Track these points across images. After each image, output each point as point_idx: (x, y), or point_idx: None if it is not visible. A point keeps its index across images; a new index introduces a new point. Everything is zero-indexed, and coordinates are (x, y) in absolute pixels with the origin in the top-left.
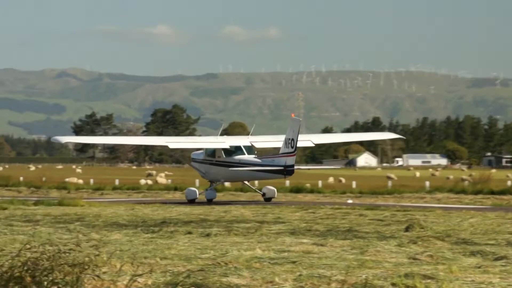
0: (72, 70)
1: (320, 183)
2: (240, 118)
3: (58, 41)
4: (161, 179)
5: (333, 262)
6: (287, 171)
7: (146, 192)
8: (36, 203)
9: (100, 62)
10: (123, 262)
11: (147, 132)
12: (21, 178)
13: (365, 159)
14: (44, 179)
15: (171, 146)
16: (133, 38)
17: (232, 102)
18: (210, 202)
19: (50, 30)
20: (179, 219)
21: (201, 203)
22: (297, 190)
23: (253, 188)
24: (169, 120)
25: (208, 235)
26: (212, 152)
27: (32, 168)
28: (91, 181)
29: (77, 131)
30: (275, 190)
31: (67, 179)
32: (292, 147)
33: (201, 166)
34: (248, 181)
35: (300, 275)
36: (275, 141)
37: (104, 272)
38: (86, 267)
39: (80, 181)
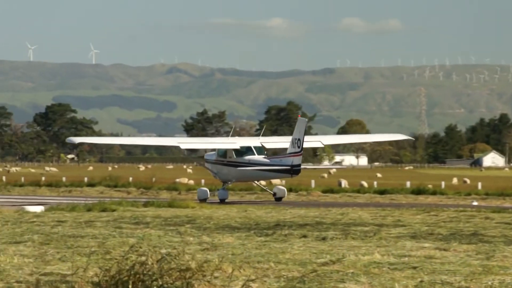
0: (183, 65)
1: (443, 184)
2: (358, 116)
3: (169, 35)
4: (274, 180)
5: (457, 268)
6: (294, 170)
7: (259, 194)
8: (145, 205)
9: (211, 57)
10: (235, 266)
11: (261, 130)
12: (131, 179)
13: (492, 159)
14: (154, 179)
15: (183, 146)
16: (246, 31)
17: (350, 98)
18: (222, 202)
19: (160, 24)
20: (294, 222)
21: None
22: (418, 191)
23: (265, 187)
24: (283, 117)
25: (324, 238)
26: (223, 153)
27: (142, 168)
28: (202, 181)
29: (188, 129)
30: (285, 190)
31: (177, 180)
32: (298, 147)
33: (213, 166)
34: (258, 181)
35: (421, 281)
36: (286, 142)
37: (216, 277)
38: (197, 271)
39: (191, 182)
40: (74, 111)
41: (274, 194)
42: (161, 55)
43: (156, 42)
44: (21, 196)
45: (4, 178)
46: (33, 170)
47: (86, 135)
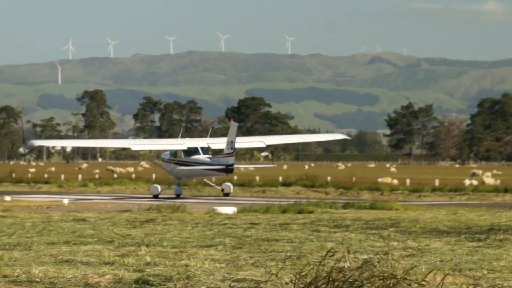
0: (387, 55)
1: None
2: None
3: (371, 22)
4: (488, 179)
5: None
6: (228, 169)
7: (470, 195)
8: (345, 206)
9: (417, 46)
10: (445, 274)
11: (473, 125)
12: (329, 178)
13: None
14: (354, 179)
15: (134, 148)
16: (456, 17)
17: None
18: (178, 197)
19: (360, 9)
20: (510, 226)
21: None
22: None
23: (213, 184)
24: (498, 111)
25: None
26: (175, 153)
27: (341, 166)
28: (407, 181)
29: (392, 124)
30: (231, 185)
31: (380, 179)
32: (231, 148)
33: (167, 165)
34: (204, 179)
35: None
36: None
37: (422, 286)
38: (402, 279)
39: (395, 181)
40: (268, 105)
41: (222, 190)
42: (362, 44)
43: (357, 30)
44: (212, 197)
45: None
46: None
47: (281, 130)
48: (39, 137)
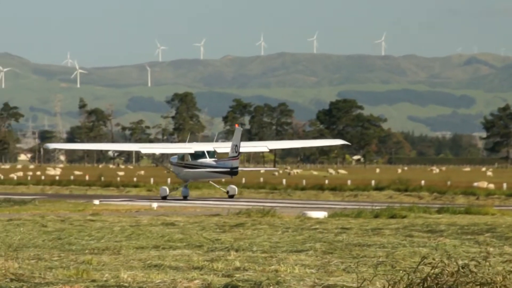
0: (483, 56)
1: None
2: None
3: (467, 22)
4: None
5: None
6: (233, 172)
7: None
8: (439, 211)
9: None
10: None
11: None
12: (423, 182)
13: None
14: (449, 183)
15: (143, 151)
16: None
17: None
18: (185, 198)
19: (456, 9)
20: None
21: None
22: None
23: (218, 186)
24: None
25: None
26: (182, 157)
27: (436, 170)
28: (504, 185)
29: (488, 126)
30: (236, 188)
31: (475, 184)
32: (236, 152)
33: (175, 168)
34: (209, 181)
35: None
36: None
37: None
38: (499, 286)
39: (491, 186)
40: (360, 108)
41: (227, 192)
42: (458, 45)
43: (453, 30)
44: (302, 201)
45: (284, 181)
46: (315, 173)
47: (374, 133)
48: (128, 140)
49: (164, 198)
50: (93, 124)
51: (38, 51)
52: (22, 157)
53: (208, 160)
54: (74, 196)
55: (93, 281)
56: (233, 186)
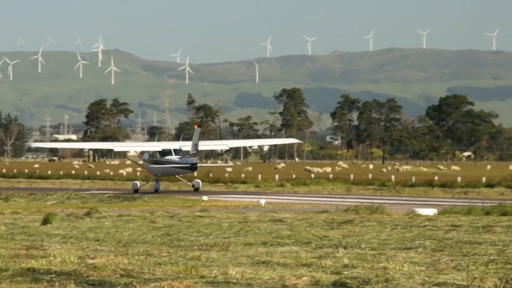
0: None
1: None
2: None
3: None
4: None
5: None
6: (193, 168)
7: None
8: None
9: None
10: None
11: None
12: None
13: None
14: None
15: (116, 149)
16: None
17: None
18: (156, 192)
19: None
20: None
21: None
22: None
23: (184, 181)
24: None
25: None
26: (152, 154)
27: None
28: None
29: None
30: (200, 182)
31: None
32: (195, 150)
33: (147, 164)
34: (176, 176)
35: None
36: (200, 145)
37: None
38: None
39: None
40: (471, 103)
41: (193, 186)
42: None
43: None
44: (411, 198)
45: (393, 177)
46: (425, 169)
47: (485, 129)
48: (236, 136)
49: (136, 191)
50: (201, 120)
51: (148, 48)
52: (131, 153)
53: (173, 157)
54: (183, 192)
55: (202, 277)
56: (198, 180)
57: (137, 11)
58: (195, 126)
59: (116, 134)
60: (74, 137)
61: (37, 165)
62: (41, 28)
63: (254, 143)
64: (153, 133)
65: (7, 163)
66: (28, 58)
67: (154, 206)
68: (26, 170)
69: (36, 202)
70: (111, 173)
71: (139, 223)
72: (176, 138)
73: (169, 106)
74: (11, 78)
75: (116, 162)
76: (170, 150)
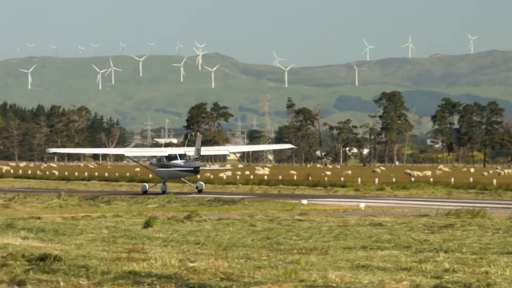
0: None
1: None
2: None
3: None
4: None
5: None
6: (195, 171)
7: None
8: None
9: None
10: None
11: None
12: None
13: None
14: None
15: (127, 154)
16: None
17: None
18: (163, 193)
19: None
20: None
21: None
22: None
23: (189, 183)
24: None
25: None
26: (159, 159)
27: None
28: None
29: None
30: (203, 184)
31: None
32: (198, 155)
33: (154, 168)
34: (182, 178)
35: None
36: (203, 151)
37: None
38: None
39: None
40: None
41: (197, 187)
42: None
43: None
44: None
45: (494, 181)
46: None
47: None
48: (335, 140)
49: (144, 192)
50: (300, 123)
51: (247, 51)
52: (232, 156)
53: (178, 161)
54: (282, 195)
55: (301, 281)
56: (201, 182)
57: (237, 15)
58: (197, 132)
59: (216, 138)
60: (174, 140)
61: (138, 169)
62: (143, 33)
63: (252, 148)
64: (253, 137)
65: (109, 166)
66: (129, 62)
67: (254, 210)
68: (128, 174)
69: (138, 205)
70: (211, 176)
71: (239, 227)
72: (276, 141)
73: (269, 110)
74: (113, 82)
75: (216, 165)
76: (176, 155)
